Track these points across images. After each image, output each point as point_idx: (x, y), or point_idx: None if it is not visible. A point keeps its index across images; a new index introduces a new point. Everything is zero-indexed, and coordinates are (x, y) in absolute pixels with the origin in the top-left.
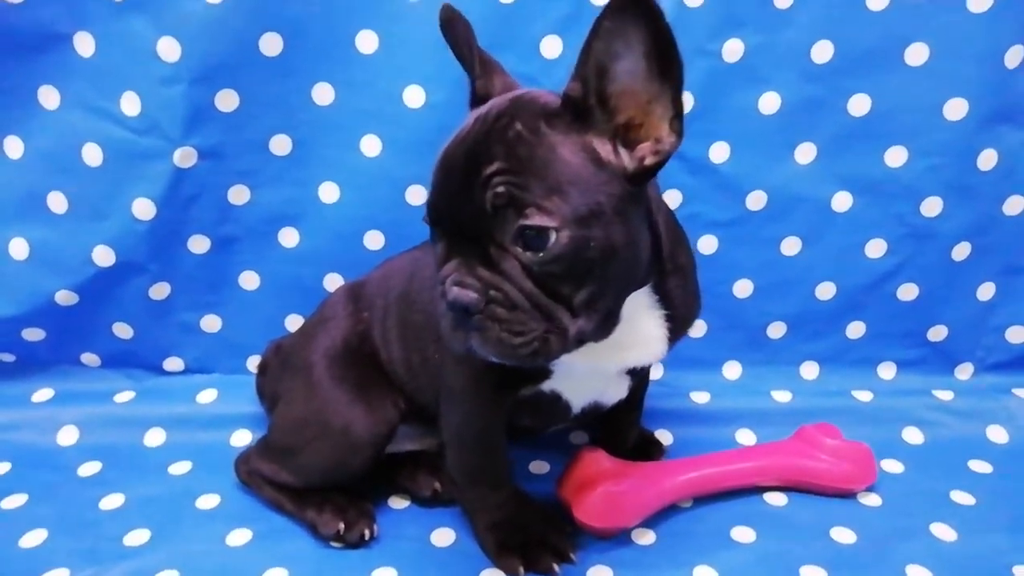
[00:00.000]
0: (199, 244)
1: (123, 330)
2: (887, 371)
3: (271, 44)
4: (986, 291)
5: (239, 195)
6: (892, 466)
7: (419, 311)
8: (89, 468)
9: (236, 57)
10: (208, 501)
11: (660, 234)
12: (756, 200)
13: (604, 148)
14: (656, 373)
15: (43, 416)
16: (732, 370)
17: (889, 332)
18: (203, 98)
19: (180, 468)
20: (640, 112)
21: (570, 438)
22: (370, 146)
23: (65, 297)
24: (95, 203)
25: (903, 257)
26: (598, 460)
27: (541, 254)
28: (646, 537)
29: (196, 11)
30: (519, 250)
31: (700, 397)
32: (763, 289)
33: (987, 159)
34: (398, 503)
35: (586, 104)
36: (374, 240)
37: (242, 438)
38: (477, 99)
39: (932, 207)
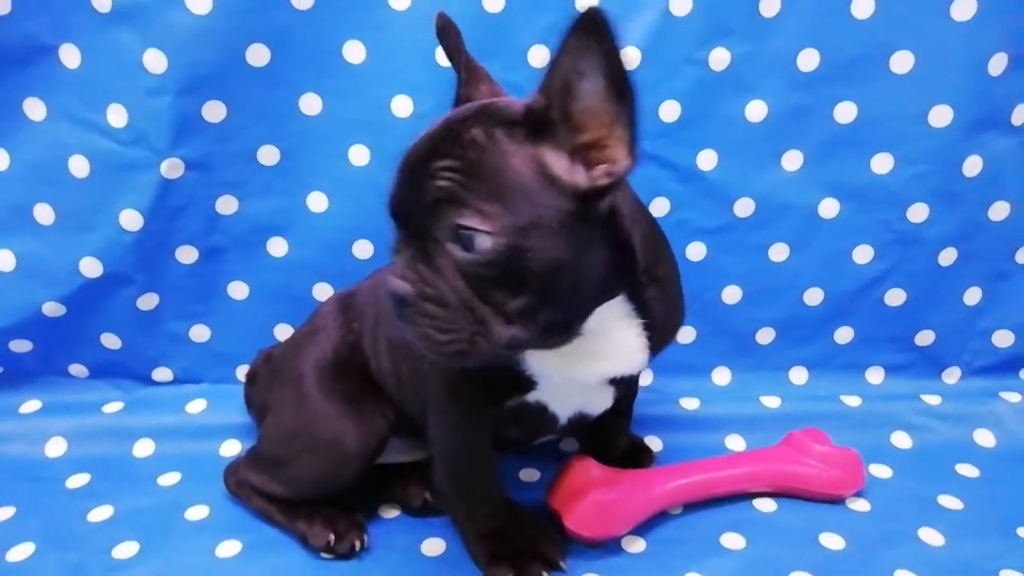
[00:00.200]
0: (187, 254)
1: (111, 341)
2: (875, 376)
3: (258, 54)
4: (972, 296)
5: (227, 205)
6: (880, 471)
7: None
8: (78, 480)
9: (223, 68)
10: (197, 512)
11: (634, 247)
12: (744, 207)
13: (560, 163)
14: (645, 379)
15: (31, 427)
16: (721, 376)
17: (877, 337)
18: (190, 109)
19: (169, 479)
20: (606, 133)
21: (560, 446)
22: (358, 156)
23: (52, 308)
24: (82, 214)
25: (890, 263)
26: (588, 468)
27: (473, 255)
28: (636, 545)
29: (182, 22)
30: (453, 248)
31: (689, 403)
32: (751, 295)
33: (972, 165)
34: (389, 512)
35: (548, 117)
36: (363, 249)
37: (231, 448)
38: (460, 104)
39: (918, 213)
